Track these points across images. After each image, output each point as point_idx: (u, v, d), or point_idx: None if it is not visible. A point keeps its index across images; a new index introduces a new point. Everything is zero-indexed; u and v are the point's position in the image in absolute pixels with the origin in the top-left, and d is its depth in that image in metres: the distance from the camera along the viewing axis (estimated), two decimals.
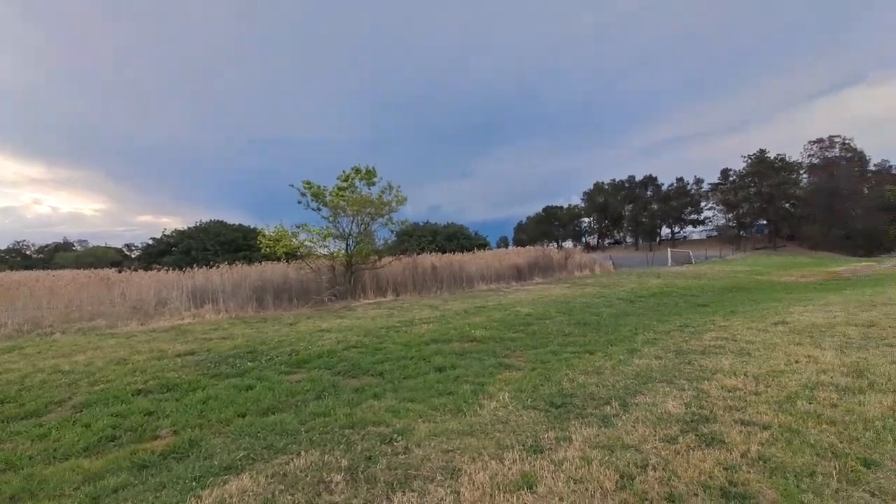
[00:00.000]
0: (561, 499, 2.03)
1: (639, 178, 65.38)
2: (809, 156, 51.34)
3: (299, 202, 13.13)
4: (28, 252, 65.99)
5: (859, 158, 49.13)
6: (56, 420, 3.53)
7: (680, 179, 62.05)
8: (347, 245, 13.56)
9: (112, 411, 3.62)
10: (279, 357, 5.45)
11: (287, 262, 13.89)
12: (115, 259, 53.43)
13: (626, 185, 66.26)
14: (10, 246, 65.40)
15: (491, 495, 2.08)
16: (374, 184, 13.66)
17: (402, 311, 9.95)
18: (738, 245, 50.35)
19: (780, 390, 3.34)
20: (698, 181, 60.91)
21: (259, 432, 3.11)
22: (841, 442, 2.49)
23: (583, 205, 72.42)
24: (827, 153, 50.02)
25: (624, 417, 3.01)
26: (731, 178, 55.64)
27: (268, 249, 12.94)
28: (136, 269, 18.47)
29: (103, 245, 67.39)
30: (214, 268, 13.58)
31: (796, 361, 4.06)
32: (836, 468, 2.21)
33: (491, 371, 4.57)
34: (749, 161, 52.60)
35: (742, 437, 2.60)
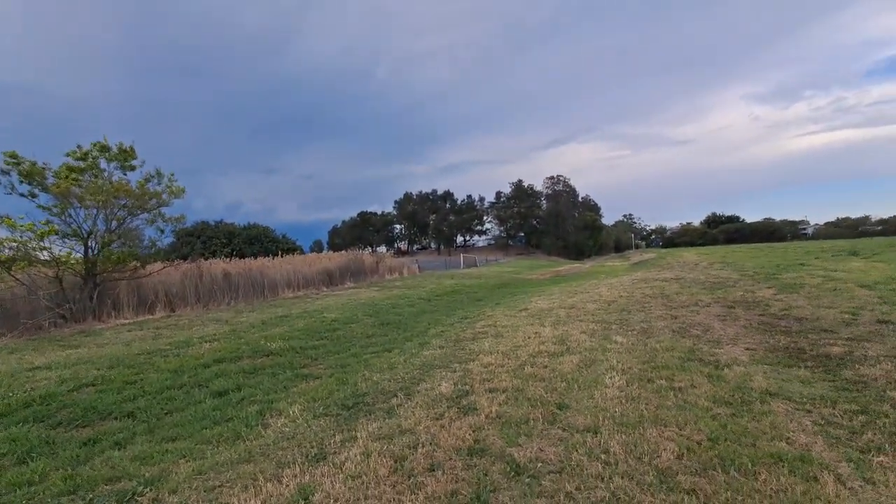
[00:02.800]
0: (335, 500, 2.12)
1: (440, 191, 75.24)
2: (546, 187, 72.81)
3: None
4: None
5: (572, 192, 72.22)
6: None
7: (469, 196, 75.45)
8: (88, 247, 10.06)
9: None
10: None
11: None
12: None
13: (431, 197, 74.99)
14: None
15: None
16: (132, 168, 10.68)
17: (177, 329, 8.14)
18: (507, 251, 65.57)
19: (516, 361, 4.45)
20: (481, 199, 76.13)
21: None
22: (546, 393, 3.51)
23: (395, 212, 77.23)
24: (556, 186, 71.96)
25: (406, 405, 3.38)
26: (501, 199, 72.73)
27: None
28: None
29: None
30: None
31: (528, 338, 5.50)
32: (541, 414, 3.09)
33: (285, 385, 4.31)
34: (512, 187, 70.75)
35: (488, 401, 3.33)
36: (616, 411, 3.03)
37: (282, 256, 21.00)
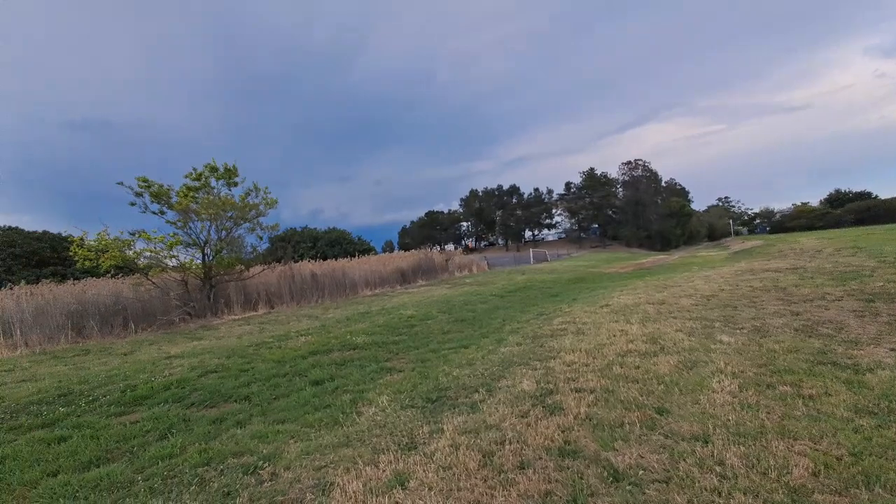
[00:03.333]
0: (430, 488, 2.18)
1: (506, 187, 73.88)
2: (622, 174, 66.69)
3: (133, 204, 10.83)
4: None
5: (654, 177, 65.61)
6: None
7: (536, 189, 72.91)
8: (205, 254, 11.74)
9: None
10: (107, 396, 4.42)
11: (122, 277, 11.31)
12: None
13: (496, 193, 74.12)
14: None
15: (363, 501, 2.11)
16: (235, 184, 12.18)
17: (276, 324, 9.11)
18: (580, 245, 62.12)
19: (602, 360, 4.19)
20: (549, 191, 72.85)
21: (78, 492, 2.49)
22: (641, 395, 3.25)
23: (462, 210, 77.88)
24: (633, 172, 65.79)
25: (489, 401, 3.37)
26: (572, 190, 68.67)
27: (88, 263, 10.30)
28: None
29: None
30: (5, 289, 10.20)
31: (614, 335, 5.14)
32: (638, 418, 2.87)
33: (372, 377, 4.57)
34: (583, 176, 66.13)
35: (575, 402, 3.18)
36: (729, 420, 2.69)
37: (358, 257, 22.48)
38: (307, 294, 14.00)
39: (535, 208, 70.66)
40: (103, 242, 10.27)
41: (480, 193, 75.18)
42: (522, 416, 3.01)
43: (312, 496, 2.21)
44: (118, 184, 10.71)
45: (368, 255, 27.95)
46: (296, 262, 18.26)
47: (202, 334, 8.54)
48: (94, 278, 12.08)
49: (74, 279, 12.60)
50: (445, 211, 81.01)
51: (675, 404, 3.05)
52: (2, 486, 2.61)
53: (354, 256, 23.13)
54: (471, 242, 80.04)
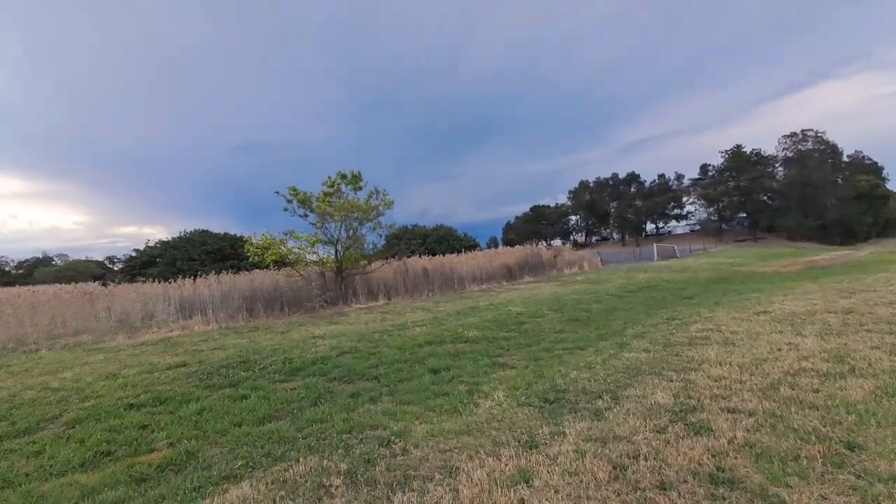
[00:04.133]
0: (556, 491, 2.10)
1: (622, 175, 66.69)
2: (784, 149, 52.98)
3: (285, 209, 13.04)
4: (7, 268, 63.89)
5: (832, 150, 50.88)
6: (49, 437, 3.47)
7: (661, 176, 63.55)
8: (336, 251, 13.50)
9: (105, 426, 3.57)
10: (273, 366, 5.42)
11: (276, 269, 13.78)
12: (96, 272, 52.05)
13: (611, 182, 67.46)
14: None
15: (489, 491, 2.14)
16: (360, 188, 13.65)
17: (395, 314, 9.95)
18: (720, 238, 51.70)
19: (763, 378, 3.47)
20: (679, 177, 62.53)
21: (256, 441, 3.11)
22: (824, 426, 2.60)
23: (570, 203, 73.38)
24: (800, 146, 51.66)
25: (615, 410, 3.09)
26: (709, 173, 57.27)
27: (256, 258, 12.79)
28: (119, 282, 18.07)
29: (84, 258, 65.62)
30: (202, 278, 13.38)
31: (778, 349, 4.21)
32: (820, 451, 2.31)
33: (485, 371, 4.64)
34: (726, 156, 54.33)
35: (728, 424, 2.71)
36: None
37: (464, 253, 23.09)
38: (419, 288, 14.97)
39: (660, 197, 61.58)
40: (266, 241, 12.64)
41: (591, 184, 69.57)
42: (658, 432, 2.68)
43: (440, 476, 2.33)
44: (275, 193, 13.04)
45: (473, 251, 28.50)
46: (408, 257, 19.69)
47: (337, 319, 9.84)
48: (260, 270, 14.94)
49: (246, 271, 15.80)
50: (552, 205, 77.40)
51: (870, 439, 2.39)
52: (201, 432, 3.39)
53: (460, 252, 23.86)
54: (580, 237, 75.06)
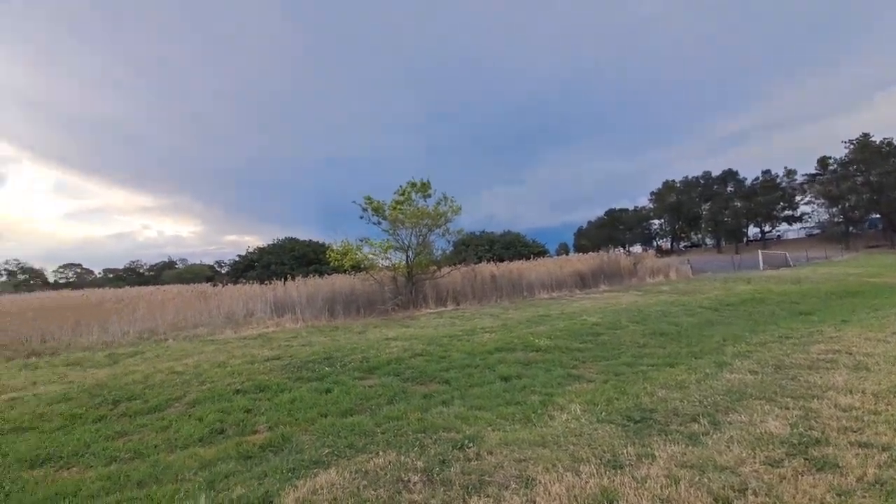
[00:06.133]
0: None
1: (716, 173, 59.32)
2: None
3: (361, 217, 13.93)
4: (141, 270, 77.49)
5: None
6: (175, 414, 4.10)
7: (766, 172, 55.05)
8: (407, 256, 14.04)
9: (218, 407, 4.13)
10: (352, 363, 5.80)
11: (353, 274, 14.76)
12: (208, 275, 60.71)
13: (702, 181, 60.38)
14: (127, 266, 77.51)
15: None
16: (429, 196, 14.05)
17: (464, 320, 10.02)
18: (847, 244, 43.20)
19: None
20: (790, 173, 53.58)
21: (340, 432, 3.35)
22: None
23: (651, 206, 67.38)
24: None
25: (715, 436, 2.76)
26: (831, 168, 48.25)
27: (336, 263, 13.84)
28: (226, 284, 20.83)
29: (198, 263, 77.01)
30: (291, 281, 14.85)
31: None
32: None
33: (559, 382, 4.45)
34: (851, 147, 45.36)
35: (858, 460, 2.26)
36: None
37: (533, 259, 22.47)
38: (487, 294, 14.90)
39: (766, 196, 52.73)
40: (345, 248, 13.63)
41: (678, 184, 62.97)
42: (771, 465, 2.32)
43: (516, 486, 2.28)
44: (353, 202, 14.02)
45: (542, 257, 27.62)
46: (476, 264, 19.72)
47: (408, 323, 10.20)
48: (339, 274, 16.14)
49: (328, 275, 17.17)
50: (630, 208, 71.94)
51: None
52: (294, 419, 3.73)
53: (528, 259, 23.26)
54: (665, 243, 68.52)
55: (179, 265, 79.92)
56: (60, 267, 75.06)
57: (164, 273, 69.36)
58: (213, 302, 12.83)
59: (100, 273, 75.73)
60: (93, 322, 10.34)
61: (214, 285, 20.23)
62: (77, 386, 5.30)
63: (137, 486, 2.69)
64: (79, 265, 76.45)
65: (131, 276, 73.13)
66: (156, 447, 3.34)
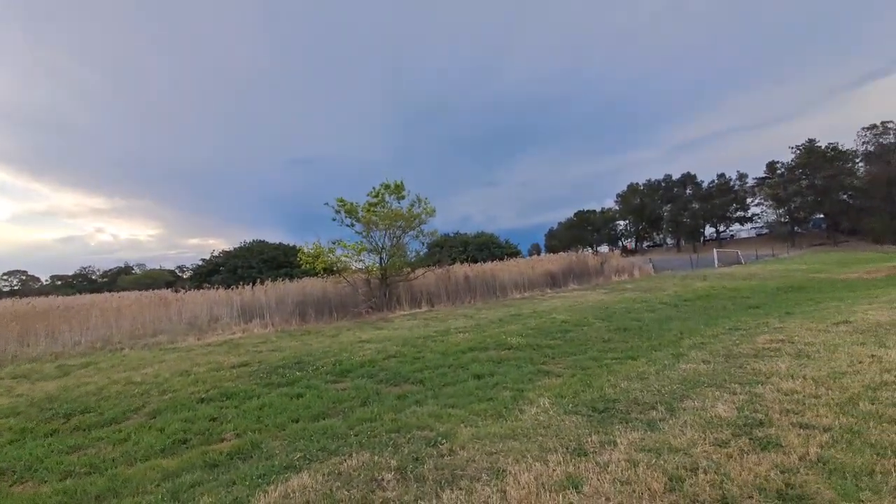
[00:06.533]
0: (608, 499, 2.05)
1: (676, 176, 62.62)
2: (864, 143, 46.89)
3: (334, 219, 13.71)
4: (94, 277, 72.46)
5: None
6: (134, 425, 3.91)
7: (721, 175, 58.66)
8: (381, 258, 13.94)
9: (181, 417, 3.97)
10: (324, 367, 5.72)
11: (325, 276, 14.50)
12: (168, 280, 57.63)
13: (663, 184, 63.51)
14: (77, 272, 72.28)
15: (537, 494, 2.13)
16: (403, 197, 14.03)
17: (438, 321, 10.08)
18: (793, 242, 46.68)
19: (841, 392, 3.15)
20: (742, 176, 57.37)
21: (312, 436, 3.31)
22: None
23: (617, 207, 70.14)
24: (881, 140, 45.61)
25: (671, 422, 2.95)
26: (778, 171, 52.07)
27: (307, 265, 13.53)
28: (188, 289, 19.86)
29: (158, 268, 72.95)
30: (259, 284, 14.38)
31: (859, 362, 3.79)
32: (895, 465, 2.10)
33: (530, 377, 4.59)
34: (798, 152, 49.22)
35: (800, 440, 2.49)
36: None
37: (505, 260, 22.86)
38: (461, 295, 15.02)
39: (720, 199, 56.41)
40: (316, 250, 13.35)
41: (641, 187, 65.90)
42: (720, 446, 2.52)
43: (487, 477, 2.35)
44: (325, 204, 13.78)
45: (515, 258, 28.15)
46: (450, 265, 19.84)
47: (381, 325, 10.14)
48: (311, 278, 15.78)
49: (298, 278, 16.74)
50: (597, 210, 74.47)
51: None
52: (263, 425, 3.66)
53: (502, 259, 23.65)
54: (629, 243, 71.42)
55: (137, 270, 75.36)
56: (4, 274, 69.13)
57: (120, 279, 65.16)
58: (174, 308, 12.22)
59: (47, 280, 70.24)
60: (40, 332, 9.62)
61: (176, 291, 19.24)
62: (25, 399, 4.94)
63: (95, 500, 2.57)
64: (24, 272, 70.64)
65: (82, 282, 68.18)
66: (113, 460, 3.18)
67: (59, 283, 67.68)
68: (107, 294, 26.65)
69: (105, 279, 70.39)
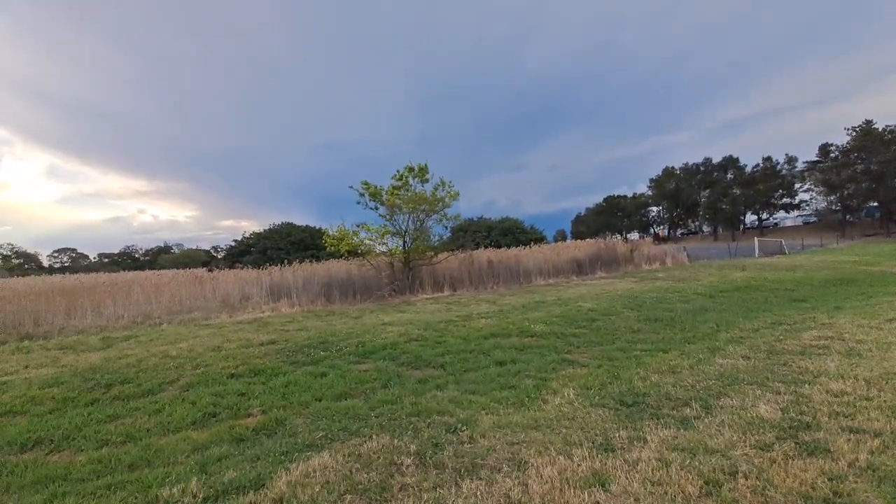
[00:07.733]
0: (637, 500, 1.94)
1: (716, 160, 58.88)
2: None
3: (358, 202, 13.77)
4: (137, 255, 77.11)
5: None
6: (168, 397, 4.10)
7: (767, 159, 54.62)
8: (404, 242, 13.96)
9: (212, 391, 4.12)
10: (348, 348, 5.80)
11: (349, 259, 14.68)
12: (204, 259, 60.46)
13: (702, 168, 59.96)
14: (122, 250, 77.04)
15: (561, 490, 2.04)
16: (427, 181, 13.89)
17: (460, 305, 10.03)
18: (844, 232, 43.35)
19: (894, 394, 2.86)
20: (790, 160, 53.21)
21: (334, 415, 3.35)
22: None
23: (650, 193, 67.10)
24: None
25: (706, 420, 2.77)
26: (832, 155, 47.96)
27: (332, 248, 13.74)
28: (222, 269, 20.73)
29: (195, 248, 76.65)
30: (287, 266, 14.79)
31: None
32: None
33: (553, 367, 4.46)
34: (853, 134, 44.96)
35: (850, 445, 2.28)
36: None
37: (530, 246, 22.45)
38: (484, 280, 14.91)
39: (763, 184, 52.33)
40: (341, 233, 13.52)
41: (678, 171, 62.45)
42: (762, 449, 2.34)
43: (508, 469, 2.29)
44: (350, 187, 13.85)
45: (540, 244, 27.60)
46: (473, 250, 19.69)
47: (404, 308, 10.21)
48: (336, 260, 16.06)
49: (324, 260, 17.10)
50: (628, 195, 71.57)
51: None
52: (288, 403, 3.72)
53: (527, 245, 23.24)
54: (662, 230, 68.58)
55: (175, 250, 79.45)
56: (55, 251, 74.67)
57: (160, 257, 69.00)
58: (208, 286, 12.77)
59: (94, 258, 75.40)
60: (87, 306, 10.29)
61: (210, 270, 20.13)
62: (69, 369, 5.28)
63: (128, 468, 2.68)
64: (73, 250, 75.99)
65: (126, 260, 72.78)
66: (148, 431, 3.33)
67: (106, 260, 72.52)
68: (148, 272, 28.31)
69: (147, 258, 74.80)
